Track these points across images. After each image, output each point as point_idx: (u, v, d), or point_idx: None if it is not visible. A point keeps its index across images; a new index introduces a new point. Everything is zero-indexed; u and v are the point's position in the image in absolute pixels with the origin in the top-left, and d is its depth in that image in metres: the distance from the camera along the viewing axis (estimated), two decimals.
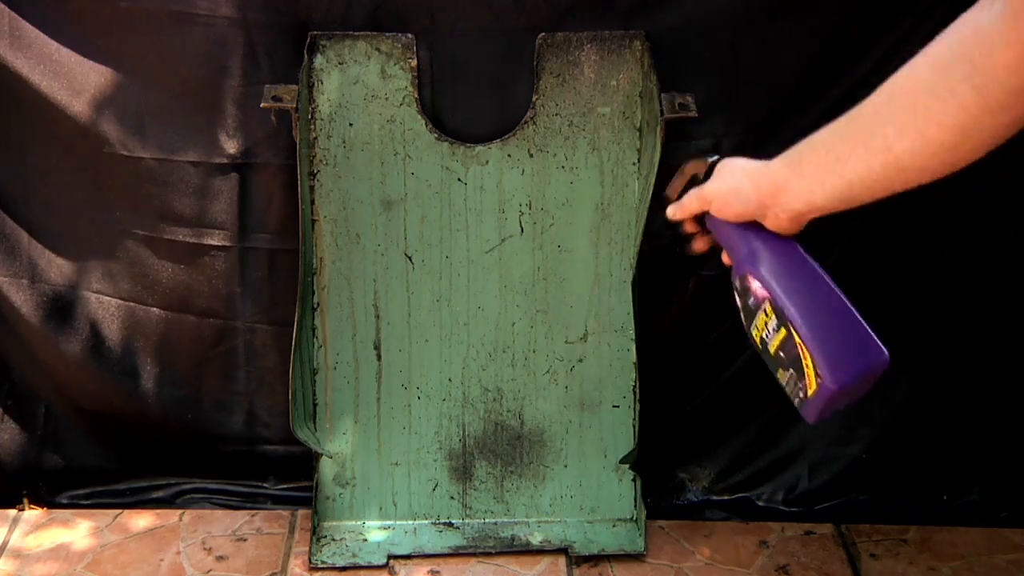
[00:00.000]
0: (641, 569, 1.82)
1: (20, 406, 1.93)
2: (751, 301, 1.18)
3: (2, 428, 1.93)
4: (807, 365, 1.11)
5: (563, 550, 1.84)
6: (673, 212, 1.33)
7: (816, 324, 1.12)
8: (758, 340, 1.20)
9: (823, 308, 1.14)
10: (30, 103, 1.74)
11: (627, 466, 1.86)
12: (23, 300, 1.85)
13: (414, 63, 1.73)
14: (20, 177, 1.81)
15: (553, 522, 1.89)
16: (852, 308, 1.14)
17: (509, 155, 1.78)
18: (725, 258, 1.27)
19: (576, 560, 1.83)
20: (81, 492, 1.94)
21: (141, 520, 1.91)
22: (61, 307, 1.86)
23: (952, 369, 1.88)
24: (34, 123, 1.77)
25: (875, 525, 1.90)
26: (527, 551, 1.84)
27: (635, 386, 1.85)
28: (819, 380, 1.11)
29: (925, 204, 1.78)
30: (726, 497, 1.95)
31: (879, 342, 1.12)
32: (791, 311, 1.13)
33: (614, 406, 1.87)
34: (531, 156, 1.78)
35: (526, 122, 1.76)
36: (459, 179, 1.78)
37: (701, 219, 1.30)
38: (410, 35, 1.72)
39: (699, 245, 1.33)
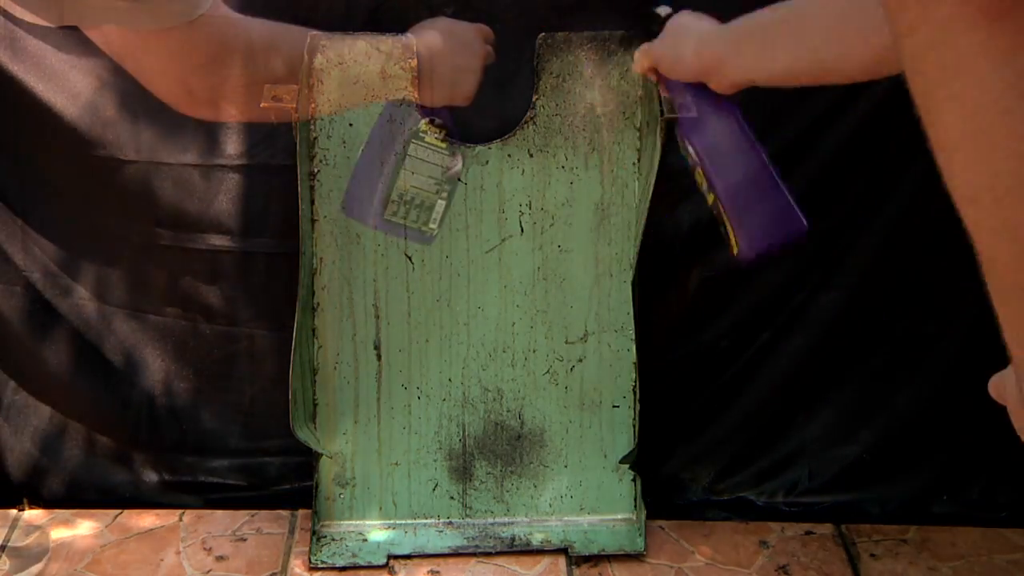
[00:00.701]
0: (641, 569, 1.82)
1: (12, 414, 1.91)
2: (690, 161, 1.26)
3: None
4: (728, 231, 1.22)
5: (563, 550, 1.84)
6: (632, 66, 1.37)
7: (737, 199, 1.21)
8: (702, 189, 1.28)
9: (747, 181, 1.22)
10: (25, 106, 1.73)
11: (627, 466, 1.86)
12: (16, 307, 1.84)
13: (414, 63, 1.73)
14: (14, 181, 1.81)
15: (553, 522, 1.89)
16: (776, 177, 1.22)
17: (509, 155, 1.78)
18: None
19: (576, 560, 1.83)
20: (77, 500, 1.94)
21: (141, 520, 1.91)
22: (56, 314, 1.85)
23: (952, 369, 1.88)
24: (28, 127, 1.76)
25: (875, 525, 1.90)
26: (527, 551, 1.84)
27: (635, 386, 1.85)
28: (736, 247, 1.22)
29: (925, 209, 1.79)
30: (726, 497, 1.94)
31: (799, 212, 1.19)
32: (716, 185, 1.21)
33: (614, 406, 1.87)
34: (531, 156, 1.78)
35: (526, 122, 1.76)
36: (459, 179, 1.78)
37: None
38: (410, 35, 1.72)
39: (662, 91, 1.35)
